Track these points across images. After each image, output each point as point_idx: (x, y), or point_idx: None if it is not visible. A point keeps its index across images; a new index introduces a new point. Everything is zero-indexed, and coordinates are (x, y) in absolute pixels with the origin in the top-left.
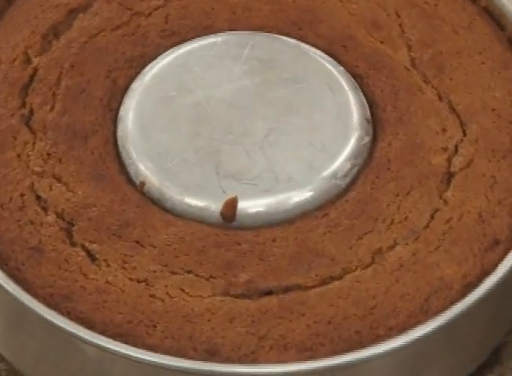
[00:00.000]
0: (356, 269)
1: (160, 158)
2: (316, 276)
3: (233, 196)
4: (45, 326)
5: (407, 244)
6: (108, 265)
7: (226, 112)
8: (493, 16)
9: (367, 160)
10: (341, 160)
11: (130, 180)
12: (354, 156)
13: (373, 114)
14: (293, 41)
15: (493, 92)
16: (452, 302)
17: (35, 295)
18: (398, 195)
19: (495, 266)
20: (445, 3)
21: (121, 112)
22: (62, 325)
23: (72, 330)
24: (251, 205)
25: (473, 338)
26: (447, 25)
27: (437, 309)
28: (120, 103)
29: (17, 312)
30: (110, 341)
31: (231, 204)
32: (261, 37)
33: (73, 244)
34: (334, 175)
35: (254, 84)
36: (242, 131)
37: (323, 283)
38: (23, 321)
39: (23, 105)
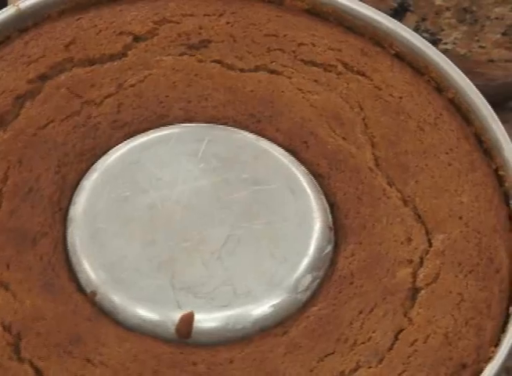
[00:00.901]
0: None
1: (112, 267)
2: None
3: (189, 311)
4: None
5: (370, 367)
6: None
7: (182, 216)
8: (460, 110)
9: (329, 272)
10: (302, 272)
11: (81, 288)
12: (316, 268)
13: (335, 219)
14: (252, 136)
15: (460, 197)
16: None
17: None
18: (361, 312)
19: None
20: (411, 96)
21: (71, 213)
22: None
23: None
24: (208, 321)
25: None
26: (412, 121)
27: None
28: (70, 201)
29: None
30: None
31: (187, 321)
32: (218, 131)
33: (20, 360)
34: (295, 289)
35: (212, 184)
36: (198, 239)
37: None
38: None
39: None
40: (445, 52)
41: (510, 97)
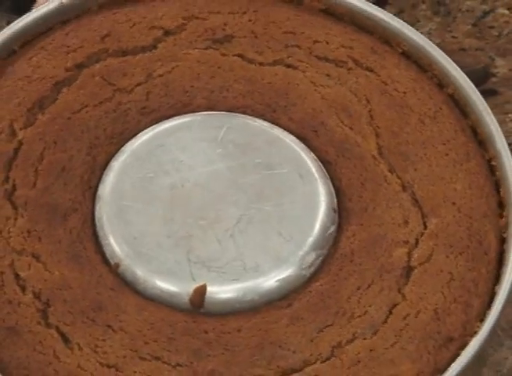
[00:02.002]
0: (316, 361)
1: (135, 242)
2: (278, 367)
3: (203, 284)
4: None
5: (365, 339)
6: (80, 349)
7: (200, 196)
8: (458, 104)
9: (331, 250)
10: (307, 250)
11: (105, 260)
12: (319, 246)
13: (339, 202)
14: (267, 124)
15: (455, 184)
16: None
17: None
18: (359, 288)
19: (447, 364)
20: (414, 91)
21: (100, 191)
22: None
23: None
24: (219, 293)
25: None
26: (414, 114)
27: None
28: (99, 180)
29: None
30: None
31: (200, 292)
32: (236, 119)
33: (48, 326)
34: (300, 266)
35: (228, 168)
36: (213, 218)
37: (284, 374)
38: None
39: (7, 180)
40: None
41: (479, 82)
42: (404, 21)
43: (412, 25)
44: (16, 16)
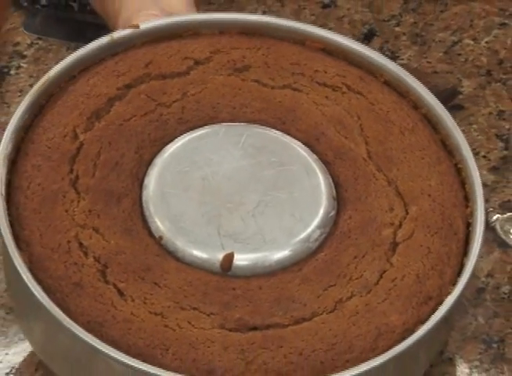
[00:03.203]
0: (322, 313)
1: (175, 219)
2: (291, 317)
3: (230, 252)
4: (83, 345)
5: (361, 296)
6: (133, 300)
7: (226, 185)
8: (431, 122)
9: (332, 229)
10: (313, 228)
11: (151, 234)
12: (323, 225)
13: (337, 193)
14: (279, 133)
15: (429, 181)
16: (395, 343)
17: (76, 321)
18: (355, 258)
19: (428, 317)
20: (395, 110)
21: (146, 181)
22: (97, 346)
23: (104, 350)
24: (244, 259)
25: (405, 366)
26: (396, 127)
27: (383, 347)
28: (145, 173)
29: (61, 333)
30: (133, 359)
31: (228, 258)
32: (254, 129)
33: (106, 282)
34: (308, 240)
35: (249, 164)
36: (238, 201)
37: (297, 322)
38: (63, 340)
39: (71, 171)
40: (402, 65)
41: (449, 99)
42: (388, 49)
43: (395, 52)
44: (74, 43)
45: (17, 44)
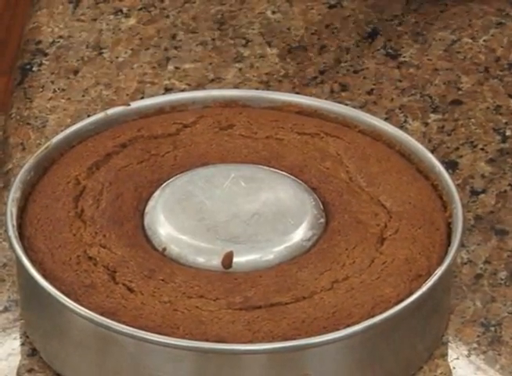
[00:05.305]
0: (321, 291)
1: (176, 233)
2: (293, 295)
3: (230, 250)
4: (96, 330)
5: (356, 277)
6: (142, 294)
7: (222, 206)
8: (404, 155)
9: (323, 232)
10: (306, 230)
11: (154, 248)
12: (313, 228)
13: (325, 207)
14: (265, 167)
15: (409, 193)
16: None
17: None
18: (347, 249)
19: (418, 289)
20: (371, 147)
21: (146, 210)
22: (112, 326)
23: (119, 329)
24: (243, 256)
25: (404, 340)
26: (373, 158)
27: (380, 315)
28: (144, 206)
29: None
30: (147, 333)
31: (228, 256)
32: (243, 166)
33: (116, 283)
34: (301, 239)
35: (241, 189)
36: (233, 215)
37: (297, 300)
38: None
39: (76, 207)
40: (403, 63)
41: None
42: (391, 47)
43: (398, 50)
44: None
45: (39, 42)
